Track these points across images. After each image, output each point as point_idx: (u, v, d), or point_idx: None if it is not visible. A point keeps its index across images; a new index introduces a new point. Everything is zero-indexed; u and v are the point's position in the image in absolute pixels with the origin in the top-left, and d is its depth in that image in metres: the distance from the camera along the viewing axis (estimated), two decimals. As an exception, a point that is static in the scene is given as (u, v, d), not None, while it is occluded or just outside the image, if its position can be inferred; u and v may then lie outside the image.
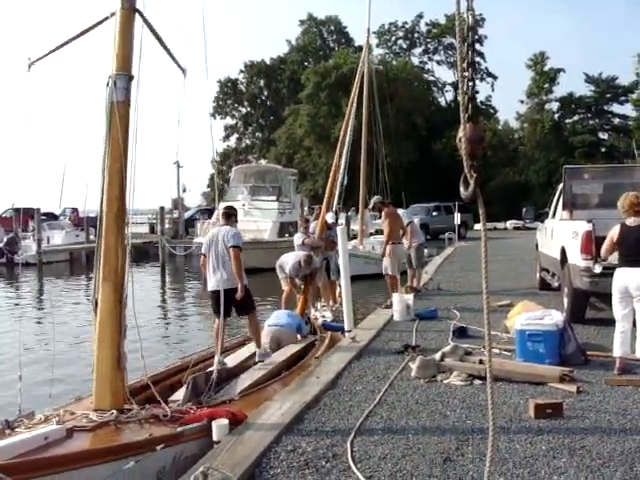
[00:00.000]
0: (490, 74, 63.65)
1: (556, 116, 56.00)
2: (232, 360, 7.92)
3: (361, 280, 16.11)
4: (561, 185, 11.05)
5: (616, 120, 57.93)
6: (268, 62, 67.68)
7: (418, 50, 67.00)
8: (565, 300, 9.45)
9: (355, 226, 22.67)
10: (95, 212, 5.73)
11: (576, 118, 58.01)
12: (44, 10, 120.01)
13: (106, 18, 5.56)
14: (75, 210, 40.30)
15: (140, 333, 5.70)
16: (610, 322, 6.89)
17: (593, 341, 7.94)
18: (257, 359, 7.67)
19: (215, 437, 4.82)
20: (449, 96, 64.38)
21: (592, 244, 8.11)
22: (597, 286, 8.15)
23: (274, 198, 29.08)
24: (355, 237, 21.76)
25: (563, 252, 9.44)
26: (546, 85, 54.58)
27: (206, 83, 6.17)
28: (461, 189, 2.91)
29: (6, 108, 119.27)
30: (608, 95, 56.24)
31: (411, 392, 5.99)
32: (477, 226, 31.47)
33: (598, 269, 8.09)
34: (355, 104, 17.00)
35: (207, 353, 8.22)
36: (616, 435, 4.75)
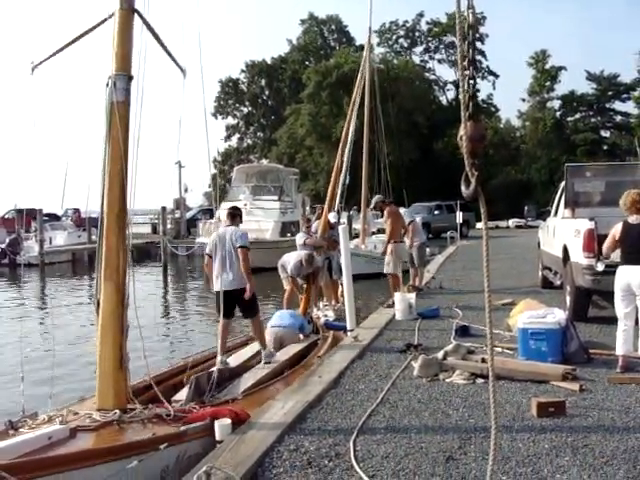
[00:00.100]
0: (491, 72, 63.64)
1: (558, 114, 55.95)
2: (235, 360, 7.93)
3: (363, 279, 16.10)
4: (563, 183, 11.04)
5: (618, 118, 57.88)
6: (269, 62, 67.72)
7: (419, 49, 67.07)
8: (567, 298, 9.45)
9: (357, 225, 22.64)
10: (97, 213, 5.73)
11: (578, 116, 57.96)
12: (44, 13, 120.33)
13: (106, 19, 5.56)
14: (77, 211, 40.33)
15: (142, 333, 5.70)
16: (613, 320, 6.89)
17: (596, 339, 7.93)
18: (263, 361, 7.67)
19: (218, 437, 4.83)
20: (450, 95, 64.40)
21: (594, 242, 8.10)
22: (599, 284, 8.14)
23: (276, 198, 29.09)
24: (357, 236, 21.75)
25: (565, 250, 9.43)
26: (547, 83, 54.52)
27: (201, 81, 6.17)
28: (462, 187, 2.90)
29: (8, 109, 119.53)
30: (610, 93, 56.18)
31: (413, 391, 5.99)
32: (479, 225, 31.43)
33: (600, 267, 8.08)
34: (357, 104, 16.99)
35: (209, 353, 8.23)
36: (619, 433, 4.75)
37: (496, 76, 63.61)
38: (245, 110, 69.41)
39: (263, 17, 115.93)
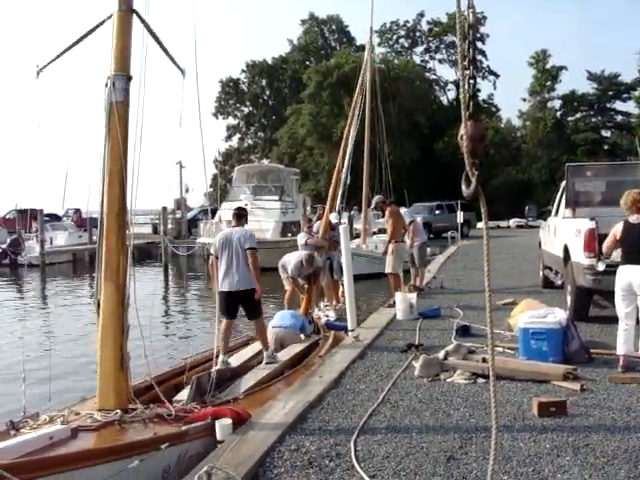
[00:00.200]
0: (492, 72, 63.66)
1: (558, 114, 55.92)
2: (236, 360, 7.93)
3: (364, 279, 16.10)
4: (564, 183, 11.04)
5: (619, 117, 57.86)
6: (270, 62, 67.70)
7: (420, 49, 67.09)
8: (568, 298, 9.44)
9: (358, 225, 22.64)
10: (97, 213, 5.73)
11: (578, 116, 57.94)
12: (44, 15, 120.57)
13: (105, 20, 5.57)
14: (78, 211, 40.33)
15: (143, 333, 5.70)
16: (614, 320, 6.88)
17: (597, 339, 7.93)
18: (265, 361, 7.68)
19: (218, 437, 4.83)
20: (451, 94, 64.38)
21: (595, 242, 8.10)
22: (600, 284, 8.14)
23: (277, 198, 29.08)
24: (358, 236, 21.75)
25: (566, 250, 9.43)
26: (548, 83, 54.50)
27: (196, 82, 6.16)
28: (463, 187, 2.90)
29: (9, 110, 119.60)
30: (610, 92, 56.16)
31: (414, 391, 5.99)
32: (480, 224, 31.41)
33: (601, 267, 8.08)
34: (359, 104, 16.96)
35: (210, 353, 8.22)
36: (620, 433, 4.75)
37: (497, 76, 63.72)
38: (246, 110, 69.41)
39: (264, 17, 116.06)
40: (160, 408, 5.32)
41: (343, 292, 10.40)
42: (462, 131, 2.84)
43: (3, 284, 25.42)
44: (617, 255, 6.85)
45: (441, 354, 6.79)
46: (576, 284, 8.90)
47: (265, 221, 26.66)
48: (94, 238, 30.63)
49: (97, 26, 5.66)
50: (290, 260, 10.77)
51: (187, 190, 40.76)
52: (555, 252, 10.70)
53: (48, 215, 33.71)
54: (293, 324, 8.96)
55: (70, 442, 4.54)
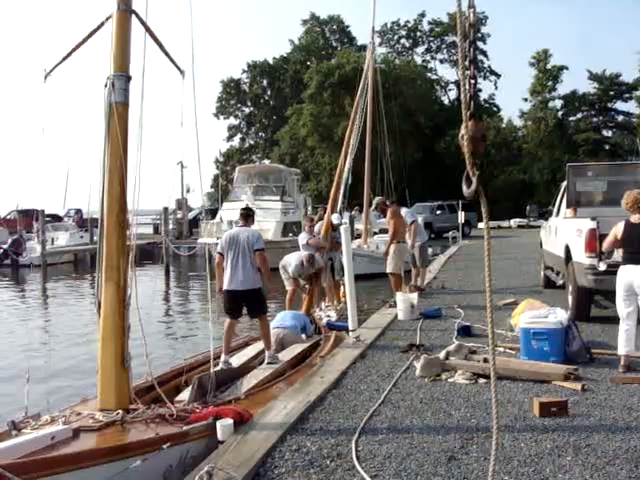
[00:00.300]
0: (493, 72, 63.69)
1: (560, 114, 55.85)
2: (237, 360, 7.94)
3: (365, 279, 16.10)
4: (565, 183, 11.03)
5: (620, 117, 57.85)
6: (271, 62, 67.68)
7: (421, 49, 67.12)
8: (569, 298, 9.44)
9: (359, 225, 22.63)
10: (98, 213, 5.74)
11: (580, 116, 57.93)
12: (43, 18, 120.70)
13: (105, 20, 5.58)
14: (79, 211, 40.39)
15: (145, 334, 5.71)
16: (615, 320, 6.88)
17: (598, 339, 7.93)
18: (266, 361, 7.68)
19: (220, 437, 4.83)
20: (452, 95, 64.46)
21: (596, 242, 8.10)
22: (601, 284, 8.14)
23: (277, 198, 29.08)
24: (359, 236, 21.75)
25: (567, 250, 9.43)
26: (549, 83, 54.40)
27: (193, 82, 6.15)
28: (463, 187, 2.90)
29: (11, 111, 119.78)
30: (612, 92, 56.11)
31: (415, 391, 6.00)
32: (481, 224, 31.43)
33: (602, 267, 8.08)
34: (361, 105, 16.96)
35: (213, 354, 8.22)
36: (621, 433, 4.75)
37: (498, 76, 63.78)
38: (247, 110, 69.37)
39: (264, 17, 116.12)
40: (161, 408, 5.33)
41: (344, 292, 10.40)
42: (463, 131, 2.84)
43: (4, 284, 25.45)
44: (618, 255, 6.85)
45: (442, 354, 6.79)
46: (577, 284, 8.90)
47: (266, 221, 26.64)
48: (95, 238, 30.64)
49: (99, 27, 5.67)
50: (291, 261, 10.78)
51: (188, 190, 40.81)
52: (556, 252, 10.69)
53: (49, 215, 33.79)
54: (294, 325, 8.96)
55: (72, 442, 4.55)
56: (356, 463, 4.26)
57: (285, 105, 62.05)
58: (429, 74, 64.93)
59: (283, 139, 57.91)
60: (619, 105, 57.20)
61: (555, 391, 5.86)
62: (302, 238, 11.95)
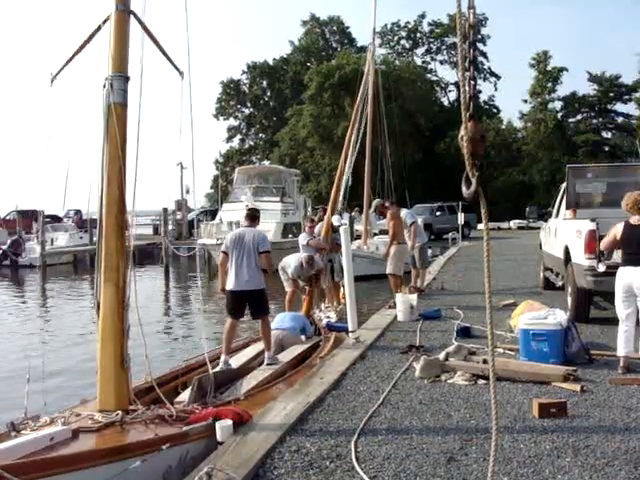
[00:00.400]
0: (493, 74, 63.72)
1: (559, 115, 55.89)
2: (236, 361, 7.94)
3: (365, 280, 16.11)
4: (564, 184, 11.04)
5: (619, 119, 57.92)
6: (271, 63, 67.71)
7: (421, 50, 67.14)
8: (569, 299, 9.45)
9: (359, 226, 22.63)
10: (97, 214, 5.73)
11: (579, 117, 57.99)
12: (42, 20, 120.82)
13: (107, 20, 5.58)
14: (78, 212, 40.36)
15: (144, 335, 5.71)
16: (614, 321, 6.89)
17: (597, 340, 7.93)
18: (266, 362, 7.69)
19: (219, 438, 4.83)
20: (452, 96, 64.48)
21: (596, 243, 8.10)
22: (601, 285, 8.15)
23: (277, 199, 29.08)
24: (359, 237, 21.75)
25: (567, 251, 9.43)
26: (549, 84, 54.43)
27: (189, 81, 6.15)
28: (463, 188, 2.91)
29: (11, 112, 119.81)
30: (611, 94, 56.16)
31: (415, 392, 6.00)
32: (480, 226, 31.43)
33: (602, 268, 8.09)
34: (361, 107, 16.95)
35: (212, 354, 8.23)
36: (620, 434, 4.75)
37: (498, 77, 63.78)
38: (247, 111, 69.41)
39: (264, 18, 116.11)
40: (161, 409, 5.32)
41: (344, 293, 10.40)
42: (462, 132, 2.85)
43: (4, 285, 25.44)
44: (618, 257, 6.86)
45: (442, 355, 6.79)
46: (577, 285, 8.91)
47: (266, 222, 26.54)
48: (95, 239, 30.63)
49: (99, 27, 5.66)
50: (290, 262, 10.78)
51: (188, 191, 40.80)
52: (556, 253, 10.70)
53: (49, 216, 33.74)
54: (293, 326, 8.96)
55: (71, 443, 4.54)
56: (355, 464, 4.26)
57: (285, 106, 62.09)
58: (429, 75, 65.01)
59: (283, 140, 57.93)
60: (619, 107, 57.38)
61: (554, 392, 5.86)
62: (302, 239, 11.96)
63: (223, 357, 7.57)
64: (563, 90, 56.20)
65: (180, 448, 4.71)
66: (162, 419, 5.13)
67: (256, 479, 4.11)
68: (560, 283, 10.77)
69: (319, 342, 8.96)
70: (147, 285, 22.30)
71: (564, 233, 10.00)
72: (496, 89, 64.75)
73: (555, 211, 11.78)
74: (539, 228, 15.10)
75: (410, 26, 65.93)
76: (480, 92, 57.23)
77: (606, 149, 55.89)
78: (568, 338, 6.85)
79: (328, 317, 11.01)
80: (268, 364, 7.63)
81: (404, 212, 13.24)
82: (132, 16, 5.62)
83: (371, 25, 21.04)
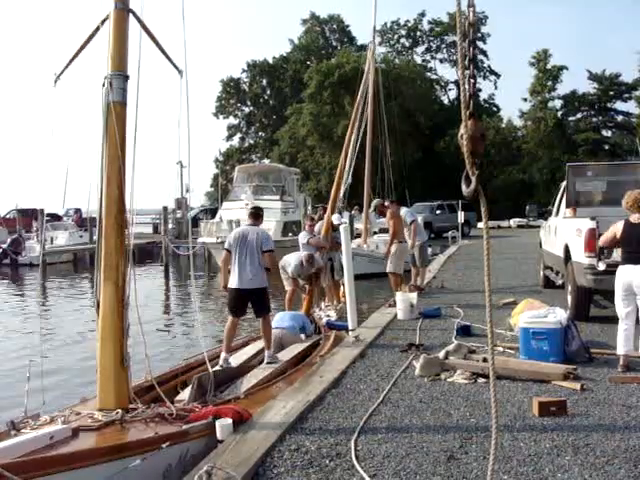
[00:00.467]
0: (493, 72, 63.66)
1: (559, 114, 55.84)
2: (236, 360, 7.95)
3: (365, 279, 16.11)
4: (564, 183, 11.04)
5: (619, 117, 57.86)
6: (271, 61, 67.67)
7: (421, 48, 67.10)
8: (569, 298, 9.45)
9: (359, 225, 22.62)
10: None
11: (579, 116, 57.95)
12: (42, 19, 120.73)
13: (106, 19, 5.57)
14: (78, 211, 40.36)
15: (144, 333, 5.71)
16: (614, 320, 6.89)
17: (597, 339, 7.93)
18: (266, 361, 7.70)
19: (219, 436, 4.83)
20: (452, 94, 64.44)
21: (596, 242, 8.09)
22: (601, 283, 8.14)
23: (277, 197, 29.08)
24: (359, 236, 21.75)
25: (567, 250, 9.43)
26: (549, 83, 54.38)
27: (186, 80, 6.14)
28: (463, 186, 2.90)
29: (10, 111, 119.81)
30: (611, 92, 56.12)
31: (415, 391, 6.00)
32: (480, 224, 31.41)
33: (602, 266, 8.09)
34: (362, 106, 16.93)
35: (212, 353, 8.24)
36: (620, 432, 4.75)
37: (498, 76, 63.74)
38: (246, 110, 69.37)
39: (264, 17, 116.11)
40: (161, 407, 5.33)
41: (344, 292, 10.40)
42: (462, 130, 2.84)
43: (4, 284, 25.43)
44: (617, 255, 6.85)
45: (442, 354, 6.79)
46: (577, 284, 8.90)
47: (266, 221, 26.54)
48: (95, 238, 30.63)
49: (99, 27, 5.66)
50: (290, 261, 10.77)
51: (187, 190, 40.79)
52: (556, 252, 10.70)
53: (49, 215, 33.71)
54: (292, 325, 8.97)
55: (71, 442, 4.54)
56: (355, 462, 4.26)
57: (285, 104, 62.06)
58: (429, 74, 64.96)
59: (283, 138, 57.90)
60: (619, 105, 57.32)
61: (554, 391, 5.86)
62: (302, 237, 11.97)
63: (223, 355, 7.58)
64: (563, 88, 56.31)
65: (180, 446, 4.71)
66: (162, 418, 5.14)
67: (256, 478, 4.11)
68: (560, 281, 10.77)
69: (319, 341, 8.96)
70: (147, 284, 22.30)
71: (564, 231, 10.00)
72: (496, 87, 64.79)
73: (555, 209, 11.77)
74: (539, 227, 15.10)
75: (410, 24, 65.89)
76: (480, 90, 57.22)
77: (606, 147, 55.86)
78: (568, 336, 6.85)
79: (328, 316, 11.02)
80: (268, 363, 7.64)
81: (404, 211, 13.24)
82: (131, 14, 5.62)
83: (371, 23, 21.02)
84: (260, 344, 8.42)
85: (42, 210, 20.83)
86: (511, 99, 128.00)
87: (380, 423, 5.12)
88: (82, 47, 5.78)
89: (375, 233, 23.64)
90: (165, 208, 33.11)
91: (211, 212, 38.73)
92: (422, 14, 65.63)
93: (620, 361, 6.48)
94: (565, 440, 4.61)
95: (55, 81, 5.80)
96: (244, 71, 68.02)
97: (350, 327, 9.23)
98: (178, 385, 7.10)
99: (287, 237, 25.56)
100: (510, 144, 55.72)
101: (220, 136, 68.18)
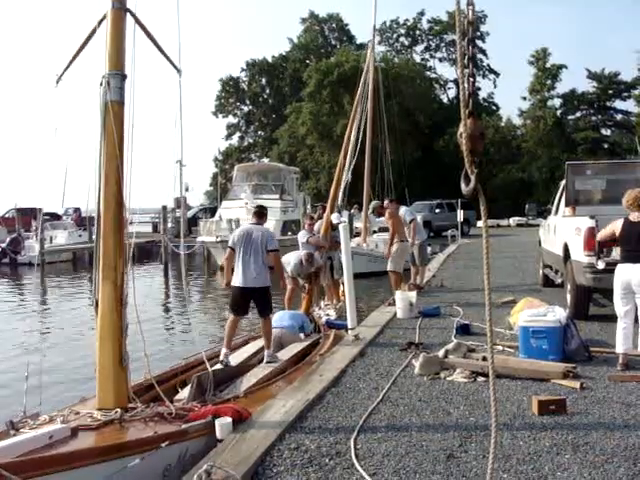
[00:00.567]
0: (492, 71, 63.62)
1: (559, 112, 55.80)
2: (236, 359, 7.95)
3: (364, 278, 16.11)
4: (564, 181, 11.03)
5: (619, 116, 57.81)
6: (270, 60, 67.63)
7: (420, 47, 67.03)
8: (568, 296, 9.45)
9: (358, 224, 22.62)
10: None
11: (579, 114, 57.89)
12: (41, 19, 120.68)
13: (103, 18, 5.57)
14: (77, 210, 40.35)
15: (143, 333, 5.70)
16: (613, 318, 6.88)
17: (596, 337, 7.94)
18: (265, 360, 7.70)
19: (218, 435, 4.83)
20: (451, 93, 64.37)
21: (595, 240, 8.09)
22: (600, 282, 8.14)
23: (277, 196, 29.09)
24: (358, 235, 21.75)
25: (566, 248, 9.43)
26: (548, 82, 54.33)
27: (179, 80, 6.14)
28: (462, 185, 2.90)
29: (10, 110, 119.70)
30: (610, 91, 56.07)
31: (414, 389, 6.00)
32: (480, 223, 31.41)
33: (601, 265, 8.08)
34: (361, 104, 16.93)
35: (211, 353, 8.24)
36: (619, 431, 4.75)
37: (497, 74, 63.67)
38: (246, 109, 69.34)
39: (264, 16, 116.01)
40: (160, 407, 5.32)
41: (343, 291, 10.40)
42: (461, 129, 2.84)
43: (3, 283, 25.42)
44: (616, 254, 6.85)
45: (441, 352, 6.79)
46: (576, 282, 8.90)
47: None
48: (94, 237, 30.58)
49: (97, 26, 5.65)
50: (290, 260, 10.77)
51: (187, 189, 40.79)
52: (555, 250, 10.70)
53: (48, 214, 33.73)
54: (292, 325, 8.97)
55: (70, 441, 4.54)
56: (355, 461, 4.26)
57: (284, 103, 62.02)
58: (428, 72, 64.88)
59: (282, 137, 57.88)
60: (618, 104, 57.25)
61: (554, 389, 5.87)
62: (302, 236, 11.97)
63: (224, 350, 7.61)
64: (562, 87, 56.24)
65: (179, 446, 4.71)
66: (161, 417, 5.13)
67: (256, 477, 4.11)
68: (559, 280, 10.77)
69: (319, 339, 8.96)
70: (146, 283, 22.30)
71: (563, 230, 10.00)
72: (495, 86, 64.68)
73: (554, 208, 11.77)
74: (538, 225, 15.10)
75: (409, 23, 65.83)
76: (479, 89, 57.16)
77: (605, 146, 55.83)
78: (567, 335, 6.85)
79: (327, 314, 11.02)
80: (268, 362, 7.64)
81: (403, 210, 13.23)
82: (128, 14, 5.61)
83: (371, 22, 21.02)
84: (260, 343, 8.43)
85: (41, 209, 20.87)
86: (510, 98, 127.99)
87: (380, 422, 5.12)
88: (81, 47, 5.78)
89: (374, 232, 23.66)
90: (164, 207, 33.10)
91: (210, 211, 38.73)
92: (421, 13, 65.67)
93: (619, 359, 6.48)
94: (564, 438, 4.61)
95: (57, 82, 5.81)
96: (243, 70, 68.06)
97: (349, 326, 9.22)
98: (177, 384, 7.10)
99: (286, 236, 25.56)
100: (509, 143, 55.69)
101: (219, 135, 68.43)
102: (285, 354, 8.12)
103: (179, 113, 6.03)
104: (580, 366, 6.44)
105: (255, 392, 6.33)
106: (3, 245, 30.47)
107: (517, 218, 41.30)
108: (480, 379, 6.21)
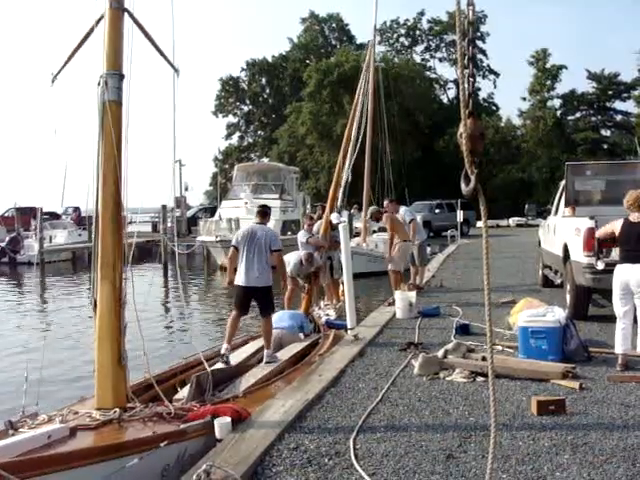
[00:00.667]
0: (492, 71, 63.59)
1: (558, 113, 55.81)
2: (235, 358, 7.95)
3: (364, 278, 16.10)
4: (563, 182, 11.03)
5: (618, 117, 57.81)
6: (270, 60, 67.60)
7: (420, 47, 66.99)
8: (567, 297, 9.45)
9: (358, 224, 22.62)
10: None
11: (578, 115, 57.92)
12: (40, 19, 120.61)
13: (101, 18, 5.56)
14: (77, 209, 40.33)
15: (142, 332, 5.70)
16: (612, 319, 6.88)
17: (596, 338, 7.93)
18: (265, 360, 7.71)
19: (218, 435, 4.83)
20: (451, 93, 64.32)
21: (594, 241, 8.09)
22: (599, 283, 8.14)
23: (276, 196, 29.09)
24: (358, 235, 21.74)
25: (565, 249, 9.43)
26: (548, 82, 54.32)
27: (174, 83, 6.14)
28: (462, 185, 2.90)
29: (9, 110, 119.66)
30: (610, 92, 56.08)
31: (414, 389, 5.99)
32: (479, 223, 31.42)
33: (600, 266, 8.07)
34: (361, 104, 16.91)
35: (211, 353, 8.24)
36: (619, 431, 4.75)
37: (497, 75, 63.64)
38: (246, 108, 69.31)
39: (264, 15, 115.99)
40: (159, 406, 5.32)
41: (343, 291, 10.39)
42: (461, 129, 2.83)
43: (2, 282, 25.41)
44: (616, 254, 6.85)
45: (440, 353, 6.79)
46: (575, 283, 8.91)
47: (265, 219, 26.58)
48: (93, 236, 30.51)
49: (94, 26, 5.64)
50: (290, 260, 10.76)
51: (187, 189, 40.84)
52: (554, 251, 10.70)
53: (47, 213, 33.69)
54: (291, 325, 8.97)
55: (68, 441, 4.53)
56: (354, 461, 4.26)
57: (284, 103, 62.00)
58: (428, 73, 64.85)
59: (282, 137, 57.86)
60: (617, 104, 57.26)
61: (553, 390, 5.86)
62: (301, 236, 11.97)
63: (225, 345, 7.64)
64: (562, 88, 56.23)
65: (178, 446, 4.70)
66: (160, 417, 5.13)
67: (255, 476, 4.11)
68: (559, 281, 10.77)
69: (318, 339, 8.96)
70: (145, 283, 22.26)
71: (563, 231, 10.00)
72: (495, 87, 64.60)
73: (554, 209, 11.77)
74: (538, 226, 15.10)
75: (409, 23, 65.78)
76: (479, 89, 57.11)
77: (605, 147, 55.85)
78: (567, 335, 6.85)
79: (327, 314, 11.02)
80: (267, 362, 7.64)
81: (403, 210, 13.23)
82: (126, 14, 5.61)
83: (372, 21, 20.99)
84: (259, 343, 8.43)
85: (40, 208, 20.82)
86: (510, 98, 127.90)
87: (379, 422, 5.12)
88: (78, 47, 5.77)
89: (374, 232, 23.64)
90: (164, 207, 33.07)
91: (210, 211, 38.73)
92: (421, 13, 65.61)
93: (618, 360, 6.48)
94: (564, 439, 4.61)
95: (52, 81, 5.80)
96: (243, 70, 68.03)
97: (349, 326, 9.22)
98: (177, 384, 7.10)
99: (286, 236, 25.55)
100: (509, 143, 55.68)
101: (219, 135, 68.42)
102: (284, 354, 8.11)
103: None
104: (579, 366, 6.44)
105: (254, 392, 6.33)
106: (2, 244, 30.45)
107: (517, 218, 41.28)
108: (479, 379, 6.21)
